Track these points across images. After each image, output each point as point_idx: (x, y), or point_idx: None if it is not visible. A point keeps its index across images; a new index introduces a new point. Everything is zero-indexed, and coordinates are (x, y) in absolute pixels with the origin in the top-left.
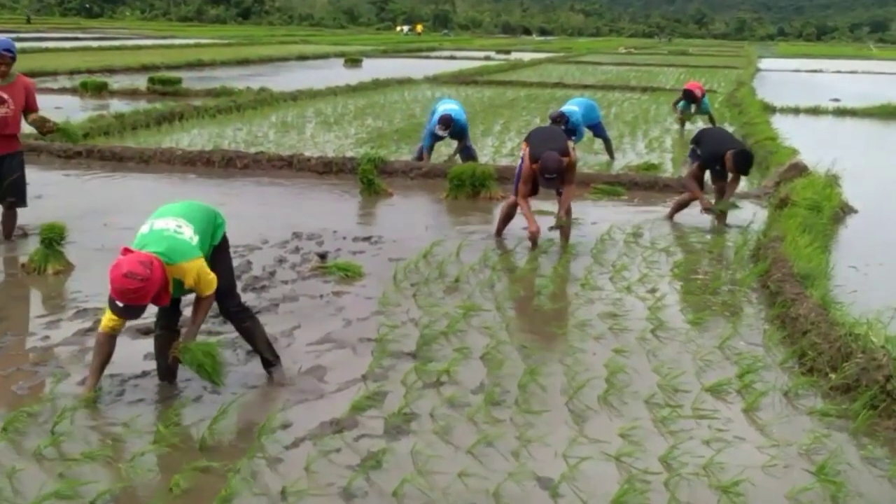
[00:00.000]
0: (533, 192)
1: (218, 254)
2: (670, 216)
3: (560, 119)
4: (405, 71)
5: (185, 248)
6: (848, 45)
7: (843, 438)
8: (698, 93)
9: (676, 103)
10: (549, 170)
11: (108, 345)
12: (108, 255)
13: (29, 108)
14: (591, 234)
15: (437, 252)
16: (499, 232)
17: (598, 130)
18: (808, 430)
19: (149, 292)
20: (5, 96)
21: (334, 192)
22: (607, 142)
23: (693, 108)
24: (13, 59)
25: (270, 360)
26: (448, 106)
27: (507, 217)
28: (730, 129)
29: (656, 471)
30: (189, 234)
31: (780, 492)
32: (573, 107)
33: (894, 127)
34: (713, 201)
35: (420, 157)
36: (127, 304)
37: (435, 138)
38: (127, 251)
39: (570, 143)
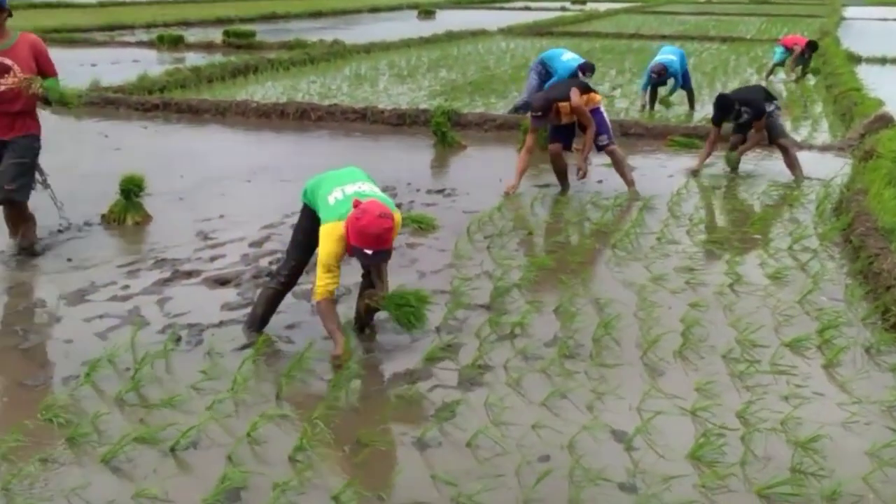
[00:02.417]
0: (564, 145)
1: None
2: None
3: (663, 72)
4: (479, 22)
5: (389, 202)
6: None
7: None
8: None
9: (801, 56)
10: (533, 108)
11: (333, 307)
12: (185, 206)
13: (43, 71)
14: (668, 186)
15: (510, 204)
16: (563, 187)
17: (685, 80)
18: (890, 386)
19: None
20: (8, 62)
21: (408, 144)
22: (690, 92)
23: (790, 58)
24: (2, 8)
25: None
26: (570, 55)
27: (559, 171)
28: (812, 81)
29: (733, 426)
30: (381, 192)
31: (861, 448)
32: (671, 56)
33: None
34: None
35: (517, 110)
36: (378, 249)
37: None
38: (358, 202)
39: (598, 96)
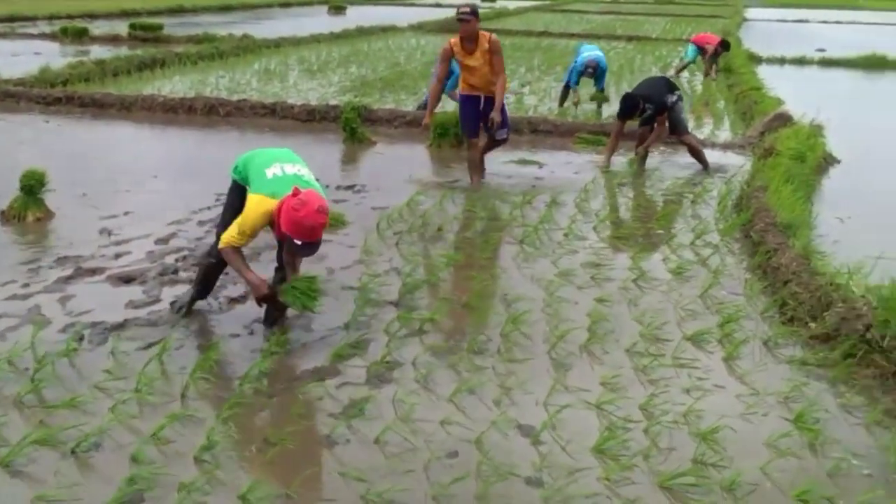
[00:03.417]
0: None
1: None
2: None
3: (596, 67)
4: (389, 18)
5: (321, 191)
6: None
7: (822, 387)
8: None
9: (713, 56)
10: (460, 7)
11: (239, 252)
12: (89, 202)
13: None
14: (575, 183)
15: (420, 201)
16: (475, 182)
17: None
18: (787, 378)
19: None
20: None
21: (317, 140)
22: (602, 91)
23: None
24: None
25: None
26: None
27: (476, 165)
28: (716, 78)
29: (637, 419)
30: (315, 181)
31: (759, 439)
32: (597, 52)
33: (878, 77)
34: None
35: (425, 106)
36: (311, 241)
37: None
38: (297, 191)
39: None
